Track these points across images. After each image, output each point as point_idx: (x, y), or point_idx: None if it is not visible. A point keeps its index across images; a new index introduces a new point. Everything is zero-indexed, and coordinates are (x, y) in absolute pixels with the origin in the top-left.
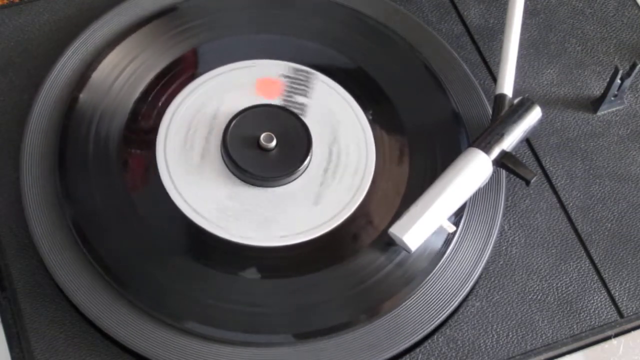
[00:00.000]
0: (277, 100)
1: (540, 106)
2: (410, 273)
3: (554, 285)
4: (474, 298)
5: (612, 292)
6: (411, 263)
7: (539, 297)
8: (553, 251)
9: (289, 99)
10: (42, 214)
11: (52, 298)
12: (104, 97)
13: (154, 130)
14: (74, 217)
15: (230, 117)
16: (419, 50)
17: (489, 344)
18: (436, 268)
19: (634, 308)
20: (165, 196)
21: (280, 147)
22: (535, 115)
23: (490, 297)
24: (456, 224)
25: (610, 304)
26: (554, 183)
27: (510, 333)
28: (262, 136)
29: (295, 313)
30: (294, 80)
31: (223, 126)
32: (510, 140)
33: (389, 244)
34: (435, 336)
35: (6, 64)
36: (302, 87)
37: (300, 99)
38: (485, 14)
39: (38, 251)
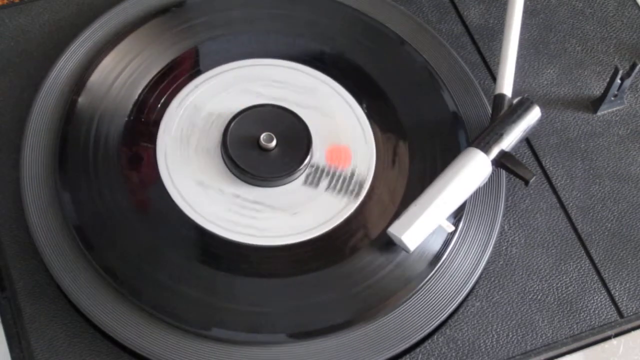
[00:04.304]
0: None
1: (540, 106)
2: (410, 273)
3: (554, 285)
4: (474, 298)
5: (612, 292)
6: (411, 263)
7: (539, 297)
8: (553, 251)
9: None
10: (42, 214)
11: (52, 298)
12: (104, 97)
13: (154, 130)
14: (74, 217)
15: (230, 117)
16: (419, 50)
17: (489, 344)
18: (436, 268)
19: (634, 308)
20: (166, 195)
21: (280, 147)
22: (534, 115)
23: (490, 297)
24: (456, 224)
25: (610, 304)
26: (554, 183)
27: (510, 333)
28: (262, 136)
29: (295, 313)
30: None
31: (223, 126)
32: (510, 140)
33: (389, 243)
34: (435, 336)
35: (6, 64)
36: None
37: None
38: (485, 14)
39: (38, 251)
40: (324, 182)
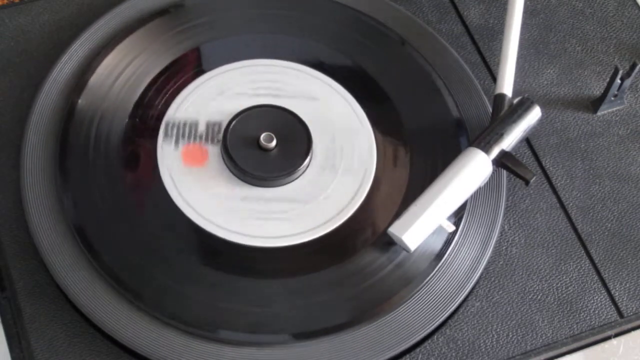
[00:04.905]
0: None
1: (540, 106)
2: (410, 273)
3: (554, 285)
4: (474, 298)
5: (612, 292)
6: (412, 263)
7: (539, 297)
8: (553, 251)
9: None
10: (43, 214)
11: (52, 298)
12: (104, 98)
13: (154, 131)
14: (74, 217)
15: (230, 117)
16: (419, 50)
17: (489, 344)
18: (436, 268)
19: (634, 308)
20: (166, 196)
21: (280, 147)
22: (534, 115)
23: (490, 297)
24: (457, 224)
25: (610, 304)
26: (554, 183)
27: (510, 333)
28: (262, 136)
29: (295, 313)
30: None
31: (223, 126)
32: (510, 140)
33: (389, 244)
34: (435, 336)
35: (6, 64)
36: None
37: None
38: (485, 14)
39: (38, 251)
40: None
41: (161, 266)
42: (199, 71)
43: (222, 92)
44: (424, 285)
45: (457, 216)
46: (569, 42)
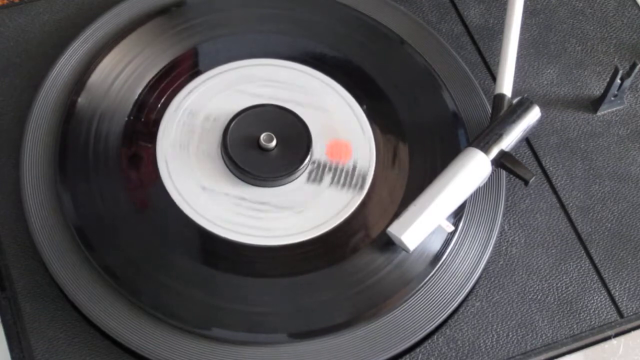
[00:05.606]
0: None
1: (540, 106)
2: (410, 273)
3: (554, 285)
4: (474, 298)
5: (612, 292)
6: (411, 263)
7: (539, 297)
8: (553, 251)
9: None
10: (42, 214)
11: (52, 298)
12: (103, 98)
13: (154, 130)
14: (74, 217)
15: (230, 117)
16: (419, 50)
17: (489, 344)
18: (436, 268)
19: (634, 308)
20: (166, 196)
21: (280, 147)
22: (534, 115)
23: (490, 297)
24: (456, 224)
25: (610, 304)
26: (554, 183)
27: (510, 333)
28: (262, 136)
29: (295, 313)
30: None
31: (223, 126)
32: (509, 140)
33: (389, 243)
34: (435, 336)
35: (6, 64)
36: None
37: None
38: (485, 14)
39: (38, 251)
40: (327, 178)
41: (161, 266)
42: (199, 70)
43: (221, 92)
44: (424, 285)
45: (457, 216)
46: (569, 42)
